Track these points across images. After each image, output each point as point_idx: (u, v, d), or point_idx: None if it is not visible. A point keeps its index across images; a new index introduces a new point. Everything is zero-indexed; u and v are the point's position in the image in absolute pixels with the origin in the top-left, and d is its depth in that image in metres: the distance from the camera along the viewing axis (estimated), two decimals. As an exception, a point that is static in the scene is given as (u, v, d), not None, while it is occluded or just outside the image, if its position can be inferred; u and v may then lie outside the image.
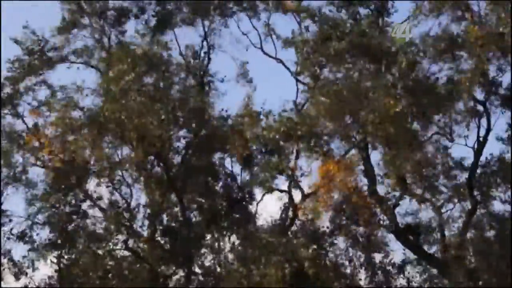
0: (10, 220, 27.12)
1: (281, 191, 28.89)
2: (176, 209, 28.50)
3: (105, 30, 29.90)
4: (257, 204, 28.63)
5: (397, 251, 29.20)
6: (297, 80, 29.50)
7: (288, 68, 30.03)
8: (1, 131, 27.63)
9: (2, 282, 26.86)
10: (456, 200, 29.13)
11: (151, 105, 26.40)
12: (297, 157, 28.27)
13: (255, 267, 25.79)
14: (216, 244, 27.79)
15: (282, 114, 27.79)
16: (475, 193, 28.70)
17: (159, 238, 28.19)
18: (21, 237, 26.89)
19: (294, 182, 28.49)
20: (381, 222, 28.37)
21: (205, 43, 30.68)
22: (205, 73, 30.30)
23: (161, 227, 28.16)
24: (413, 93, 25.17)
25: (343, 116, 25.68)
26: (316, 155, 26.57)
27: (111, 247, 27.44)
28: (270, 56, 30.53)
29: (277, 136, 26.84)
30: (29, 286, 27.11)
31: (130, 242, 27.80)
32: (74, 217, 26.97)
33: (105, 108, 26.54)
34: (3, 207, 27.24)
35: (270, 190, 28.58)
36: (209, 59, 30.69)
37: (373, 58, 25.70)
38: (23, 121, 28.97)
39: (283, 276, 24.72)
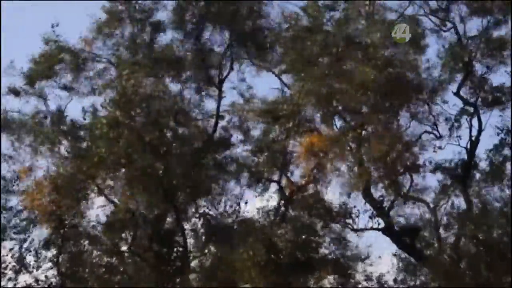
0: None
1: (272, 181, 29.03)
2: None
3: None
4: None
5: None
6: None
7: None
8: (1, 130, 28.12)
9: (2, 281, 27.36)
10: (448, 199, 29.37)
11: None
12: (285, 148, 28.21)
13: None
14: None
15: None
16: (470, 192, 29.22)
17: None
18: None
19: (284, 173, 28.62)
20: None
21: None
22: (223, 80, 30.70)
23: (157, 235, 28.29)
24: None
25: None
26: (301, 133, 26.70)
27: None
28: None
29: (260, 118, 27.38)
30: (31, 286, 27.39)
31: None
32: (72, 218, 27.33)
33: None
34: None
35: (259, 180, 28.74)
36: (232, 68, 30.92)
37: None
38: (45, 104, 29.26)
39: (254, 256, 24.85)
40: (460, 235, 28.70)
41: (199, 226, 27.95)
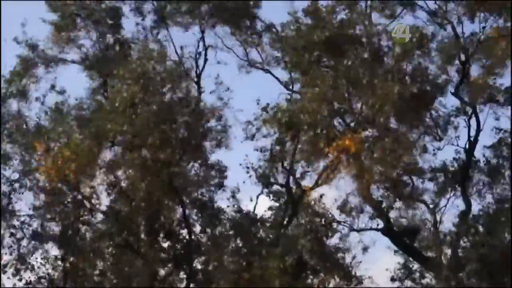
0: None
1: (281, 185, 28.77)
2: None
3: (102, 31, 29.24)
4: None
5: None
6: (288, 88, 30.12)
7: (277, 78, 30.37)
8: (1, 132, 27.62)
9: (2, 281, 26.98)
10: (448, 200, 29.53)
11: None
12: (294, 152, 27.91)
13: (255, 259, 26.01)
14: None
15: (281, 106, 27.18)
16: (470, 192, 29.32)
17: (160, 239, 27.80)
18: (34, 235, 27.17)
19: (293, 177, 28.38)
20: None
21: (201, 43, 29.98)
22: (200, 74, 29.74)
23: (161, 229, 27.87)
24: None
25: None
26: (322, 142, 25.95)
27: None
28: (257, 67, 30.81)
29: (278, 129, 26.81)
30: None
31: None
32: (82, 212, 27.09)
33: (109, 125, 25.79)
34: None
35: (267, 184, 28.65)
36: (206, 59, 30.05)
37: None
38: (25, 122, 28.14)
39: (284, 268, 24.97)
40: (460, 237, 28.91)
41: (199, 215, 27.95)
